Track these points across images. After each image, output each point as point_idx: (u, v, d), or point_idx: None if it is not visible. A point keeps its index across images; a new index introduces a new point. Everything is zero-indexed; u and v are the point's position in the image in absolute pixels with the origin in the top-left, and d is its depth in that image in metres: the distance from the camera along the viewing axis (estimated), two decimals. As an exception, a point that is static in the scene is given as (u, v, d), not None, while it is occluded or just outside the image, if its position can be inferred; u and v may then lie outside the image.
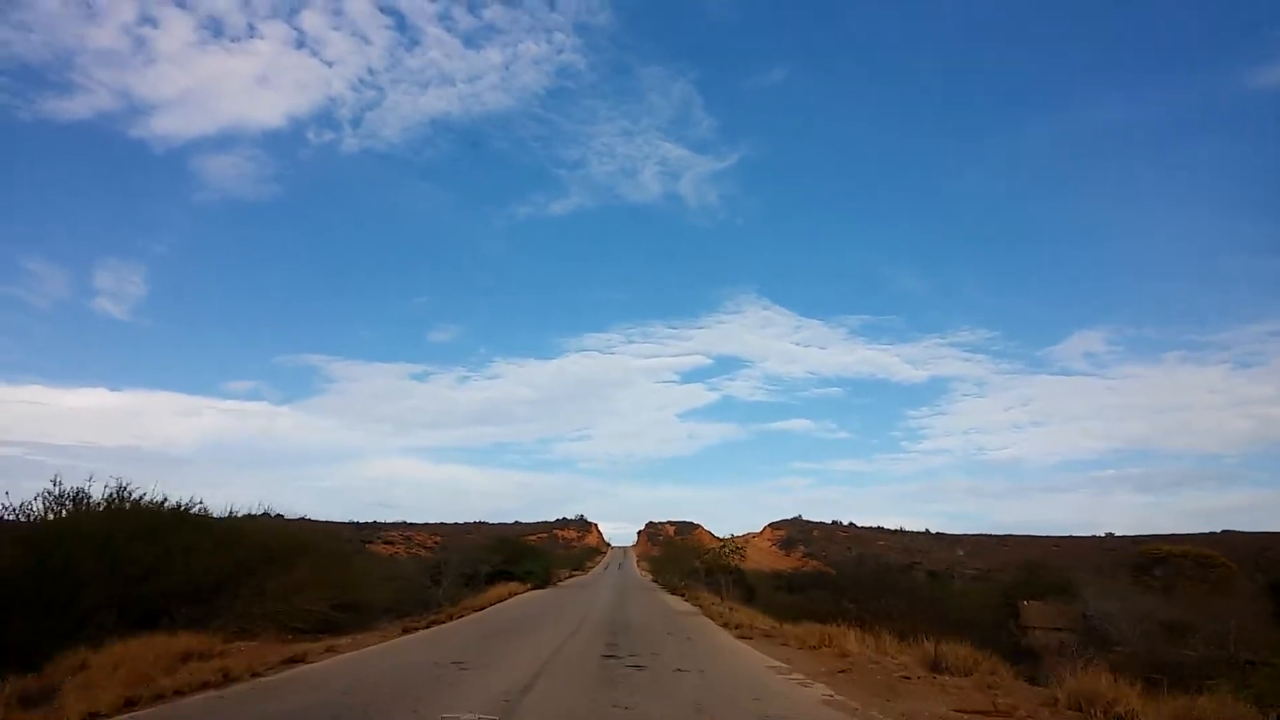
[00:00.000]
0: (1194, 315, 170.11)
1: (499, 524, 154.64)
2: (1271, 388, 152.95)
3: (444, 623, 22.09)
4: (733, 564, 53.57)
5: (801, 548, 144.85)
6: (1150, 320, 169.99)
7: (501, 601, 31.54)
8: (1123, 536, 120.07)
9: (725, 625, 23.19)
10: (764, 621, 25.02)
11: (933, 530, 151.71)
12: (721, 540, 48.82)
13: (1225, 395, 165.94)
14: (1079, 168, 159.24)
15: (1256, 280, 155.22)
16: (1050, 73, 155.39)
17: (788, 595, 44.91)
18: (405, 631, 18.86)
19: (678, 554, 48.67)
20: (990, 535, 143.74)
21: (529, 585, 42.77)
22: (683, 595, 39.92)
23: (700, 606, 31.63)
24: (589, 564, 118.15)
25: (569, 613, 27.26)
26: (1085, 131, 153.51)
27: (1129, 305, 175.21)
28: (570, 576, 74.56)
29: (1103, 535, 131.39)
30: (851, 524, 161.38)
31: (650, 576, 77.30)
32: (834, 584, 39.00)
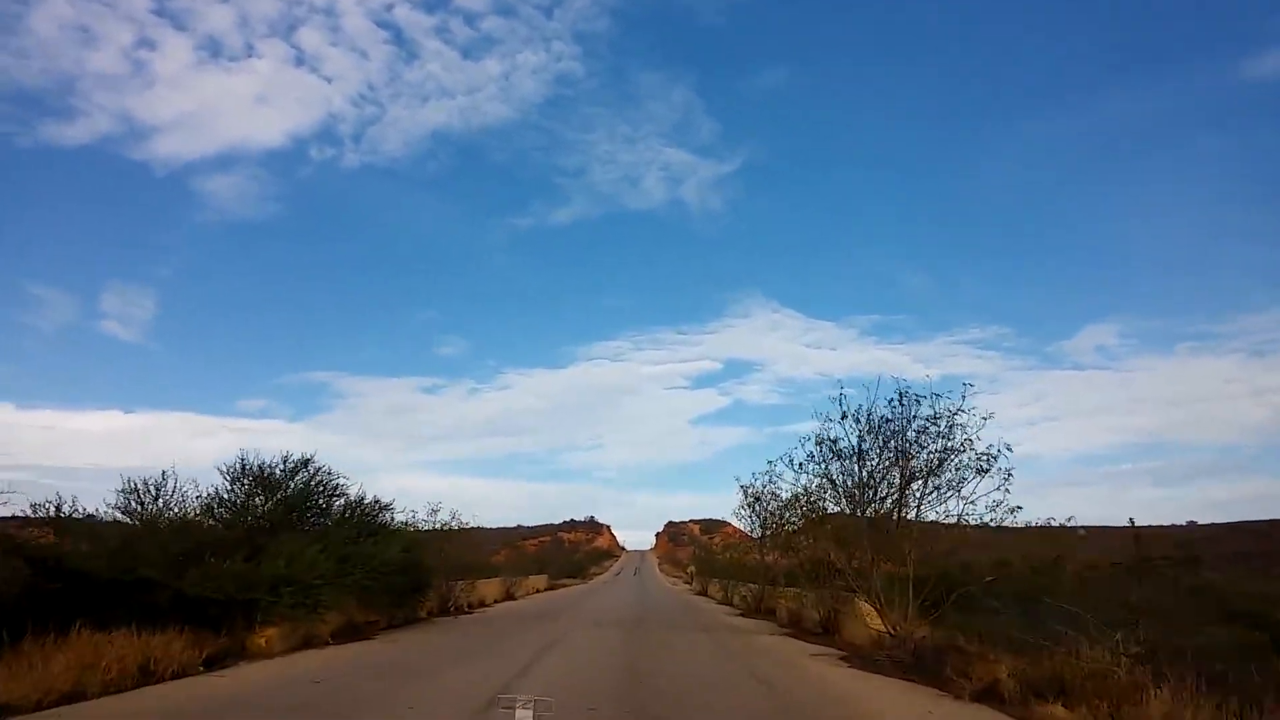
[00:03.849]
0: (1205, 305, 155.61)
1: (498, 528, 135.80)
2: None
3: None
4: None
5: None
6: (1161, 312, 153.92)
7: None
8: (1208, 524, 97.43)
9: None
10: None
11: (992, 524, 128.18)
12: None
13: (1240, 384, 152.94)
14: (1086, 162, 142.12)
15: (1267, 270, 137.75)
16: (1055, 67, 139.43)
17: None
18: None
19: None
20: (1072, 526, 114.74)
21: (291, 634, 10.35)
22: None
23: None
24: (593, 570, 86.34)
25: None
26: (1092, 125, 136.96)
27: (1139, 297, 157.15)
28: (551, 588, 41.70)
29: (1184, 524, 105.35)
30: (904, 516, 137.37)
31: (691, 587, 44.63)
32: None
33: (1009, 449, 9.33)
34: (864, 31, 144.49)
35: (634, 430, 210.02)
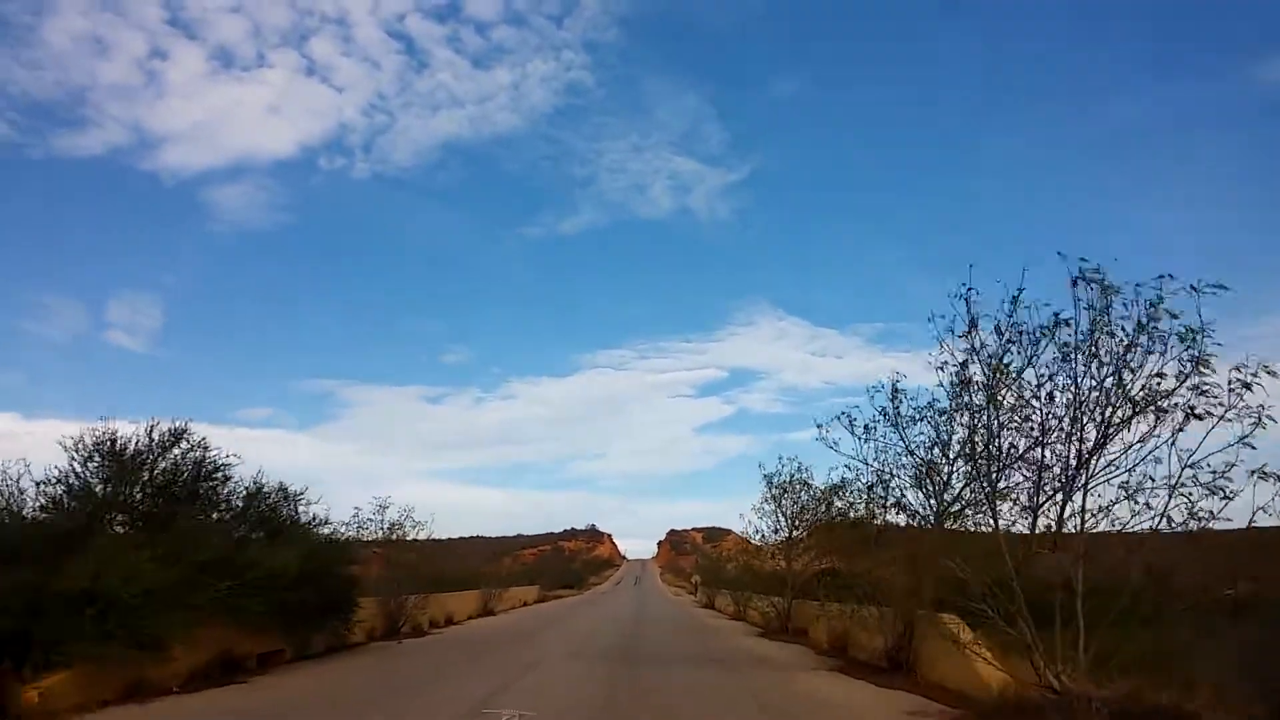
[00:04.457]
0: (1205, 314, 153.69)
1: (498, 537, 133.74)
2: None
3: None
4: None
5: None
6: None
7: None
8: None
9: None
10: None
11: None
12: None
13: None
14: (1093, 169, 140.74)
15: (1269, 274, 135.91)
16: (1062, 76, 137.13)
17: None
18: None
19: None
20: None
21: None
22: None
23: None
24: (592, 580, 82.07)
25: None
26: (1099, 132, 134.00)
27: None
28: (542, 600, 37.65)
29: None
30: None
31: (695, 598, 40.35)
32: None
33: (1270, 372, 5.21)
34: (873, 42, 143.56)
35: (638, 439, 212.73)
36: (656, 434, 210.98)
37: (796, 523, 16.75)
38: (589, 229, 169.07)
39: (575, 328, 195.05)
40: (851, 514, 10.71)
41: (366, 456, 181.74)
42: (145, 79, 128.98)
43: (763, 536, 17.94)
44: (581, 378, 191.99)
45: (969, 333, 6.29)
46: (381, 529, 16.09)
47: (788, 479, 16.64)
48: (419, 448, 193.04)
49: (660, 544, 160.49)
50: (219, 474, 10.81)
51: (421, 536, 16.52)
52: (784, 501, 17.01)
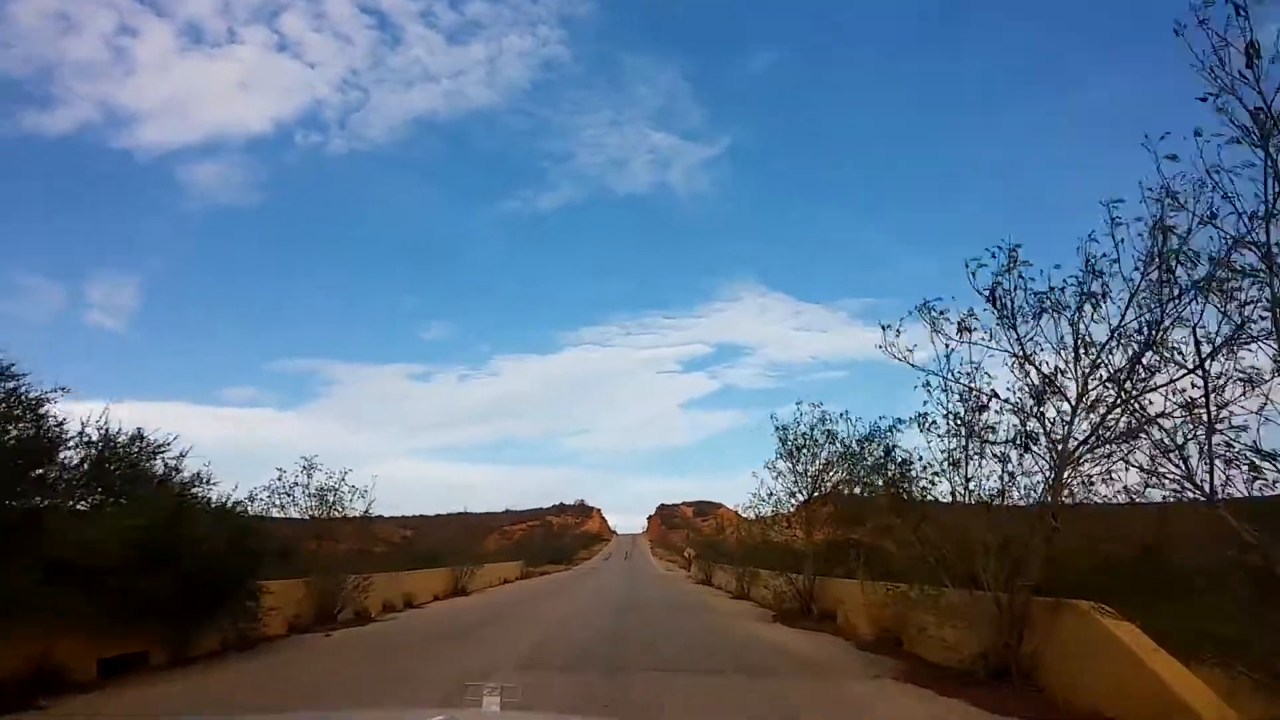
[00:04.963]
0: None
1: (484, 513, 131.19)
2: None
3: None
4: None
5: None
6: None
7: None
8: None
9: None
10: None
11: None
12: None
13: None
14: (1085, 143, 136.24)
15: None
16: (1053, 48, 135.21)
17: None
18: None
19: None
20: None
21: None
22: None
23: None
24: (581, 555, 79.84)
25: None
26: (1091, 106, 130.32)
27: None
28: (525, 577, 34.77)
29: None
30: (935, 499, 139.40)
31: (690, 574, 37.73)
32: None
33: None
34: (854, 12, 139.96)
35: (625, 415, 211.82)
36: (643, 410, 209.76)
37: (818, 483, 13.87)
38: (567, 204, 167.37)
39: (558, 304, 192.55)
40: (926, 465, 7.67)
41: (352, 435, 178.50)
42: (114, 56, 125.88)
43: (777, 500, 15.02)
44: (566, 354, 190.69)
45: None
46: (309, 497, 13.01)
47: (808, 430, 13.75)
48: (405, 426, 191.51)
49: (650, 519, 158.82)
50: (28, 414, 7.59)
51: (360, 506, 13.46)
52: (802, 457, 14.09)
